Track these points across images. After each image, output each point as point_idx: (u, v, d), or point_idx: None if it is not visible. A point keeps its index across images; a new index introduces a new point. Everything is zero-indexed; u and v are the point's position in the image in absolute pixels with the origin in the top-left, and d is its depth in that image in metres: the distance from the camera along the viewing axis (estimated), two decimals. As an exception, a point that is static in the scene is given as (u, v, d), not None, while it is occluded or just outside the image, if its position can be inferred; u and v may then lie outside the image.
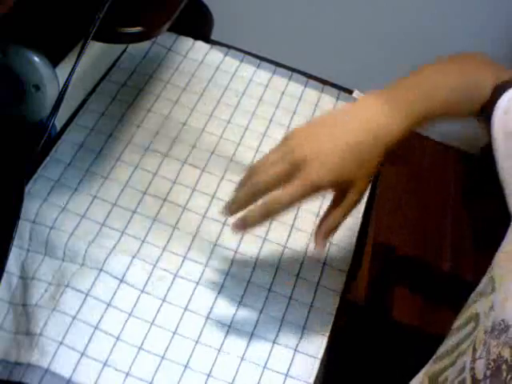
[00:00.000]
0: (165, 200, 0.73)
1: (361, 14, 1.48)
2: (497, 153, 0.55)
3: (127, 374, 0.60)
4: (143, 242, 0.69)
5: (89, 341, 0.61)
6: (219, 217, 0.73)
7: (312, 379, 0.63)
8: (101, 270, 0.65)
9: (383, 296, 1.28)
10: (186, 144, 0.78)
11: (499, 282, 0.50)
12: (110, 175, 0.73)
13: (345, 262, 0.72)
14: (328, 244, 0.73)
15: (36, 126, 0.66)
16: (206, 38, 0.93)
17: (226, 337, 0.64)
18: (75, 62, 0.55)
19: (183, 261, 0.68)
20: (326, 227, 0.57)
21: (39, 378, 0.57)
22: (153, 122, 0.79)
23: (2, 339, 0.60)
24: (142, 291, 0.65)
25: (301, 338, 0.66)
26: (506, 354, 0.44)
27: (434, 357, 0.57)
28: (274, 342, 0.65)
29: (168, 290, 0.66)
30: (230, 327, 0.65)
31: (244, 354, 0.64)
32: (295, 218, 0.74)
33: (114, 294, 0.64)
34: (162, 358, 0.62)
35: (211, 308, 0.66)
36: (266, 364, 0.63)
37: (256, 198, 0.55)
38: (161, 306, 0.65)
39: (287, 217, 0.74)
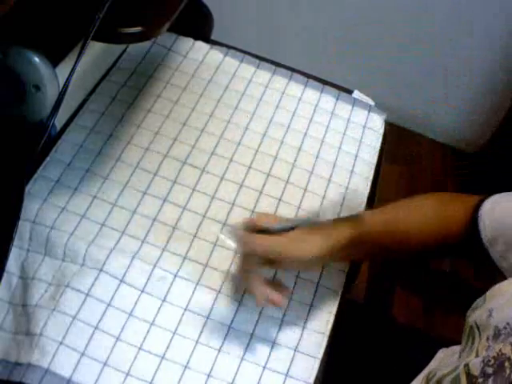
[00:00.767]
0: (165, 200, 0.73)
1: (361, 15, 1.48)
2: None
3: (127, 374, 0.60)
4: (143, 242, 0.69)
5: (89, 341, 0.61)
6: (219, 217, 0.73)
7: (312, 379, 0.63)
8: (101, 270, 0.65)
9: (383, 296, 1.28)
10: (185, 144, 0.78)
11: (491, 294, 0.50)
12: (110, 175, 0.73)
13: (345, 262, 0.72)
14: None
15: (36, 126, 0.66)
16: (206, 38, 0.93)
17: (225, 337, 0.64)
18: (75, 62, 0.55)
19: (183, 261, 0.68)
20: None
21: (39, 378, 0.57)
22: (153, 122, 0.80)
23: (2, 339, 0.60)
24: (142, 291, 0.65)
25: (301, 338, 0.66)
26: (507, 351, 0.44)
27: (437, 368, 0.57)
28: (274, 342, 0.65)
29: (168, 290, 0.66)
30: (230, 327, 0.65)
31: (244, 354, 0.64)
32: (295, 218, 0.74)
33: (114, 294, 0.64)
34: (162, 358, 0.62)
35: (211, 308, 0.66)
36: (266, 364, 0.63)
37: None
38: (161, 306, 0.65)
39: (287, 217, 0.74)
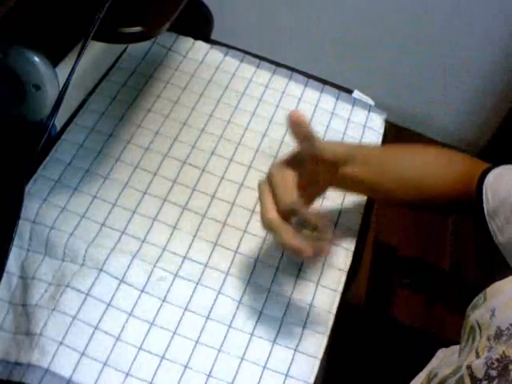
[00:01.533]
0: (165, 200, 0.73)
1: (361, 14, 1.48)
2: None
3: (127, 374, 0.60)
4: (143, 242, 0.69)
5: (89, 341, 0.61)
6: (219, 217, 0.73)
7: (312, 379, 0.63)
8: (101, 270, 0.65)
9: (383, 296, 1.28)
10: (186, 144, 0.78)
11: (492, 292, 0.50)
12: (110, 175, 0.73)
13: (345, 261, 0.72)
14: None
15: (36, 125, 0.66)
16: (206, 38, 0.93)
17: (225, 337, 0.64)
18: (75, 62, 0.55)
19: (183, 261, 0.68)
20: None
21: (39, 378, 0.57)
22: (153, 122, 0.80)
23: (2, 339, 0.60)
24: (142, 291, 0.65)
25: (301, 338, 0.66)
26: (511, 353, 0.43)
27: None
28: (274, 342, 0.65)
29: (168, 290, 0.66)
30: (230, 327, 0.65)
31: (244, 354, 0.64)
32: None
33: (114, 294, 0.64)
34: (162, 358, 0.62)
35: (211, 308, 0.66)
36: (266, 364, 0.63)
37: None
38: (161, 306, 0.65)
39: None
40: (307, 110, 0.86)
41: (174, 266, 0.68)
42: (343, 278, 0.71)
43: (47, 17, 0.59)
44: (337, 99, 0.89)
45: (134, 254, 0.67)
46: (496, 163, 0.62)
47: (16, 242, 0.65)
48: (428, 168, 0.66)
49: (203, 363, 0.62)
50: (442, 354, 0.67)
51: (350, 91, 0.92)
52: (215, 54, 0.89)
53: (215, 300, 0.66)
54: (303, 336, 0.66)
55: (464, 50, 1.48)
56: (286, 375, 0.63)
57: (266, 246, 0.71)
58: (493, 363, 0.44)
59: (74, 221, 0.69)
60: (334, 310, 0.68)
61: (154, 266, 0.67)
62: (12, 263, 0.65)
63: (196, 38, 0.91)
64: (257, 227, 0.72)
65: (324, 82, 0.91)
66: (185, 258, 0.69)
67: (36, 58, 0.62)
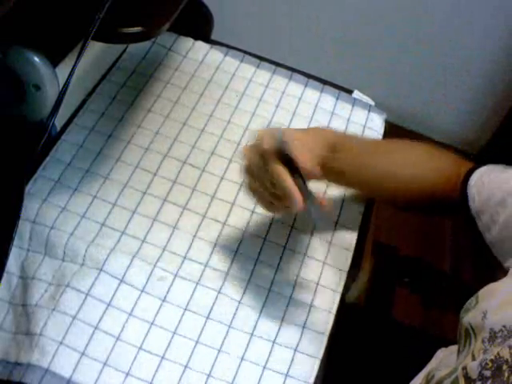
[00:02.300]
0: (165, 200, 0.73)
1: (361, 15, 1.48)
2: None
3: (127, 374, 0.60)
4: (143, 241, 0.69)
5: (89, 341, 0.61)
6: (219, 217, 0.73)
7: (312, 379, 0.63)
8: (101, 270, 0.65)
9: (383, 296, 1.28)
10: (186, 144, 0.78)
11: (483, 295, 0.50)
12: (110, 175, 0.73)
13: (345, 262, 0.72)
14: (328, 244, 0.73)
15: (36, 125, 0.66)
16: (206, 38, 0.93)
17: (225, 337, 0.64)
18: (75, 62, 0.55)
19: (183, 261, 0.68)
20: None
21: (39, 377, 0.57)
22: (153, 122, 0.80)
23: (2, 339, 0.60)
24: (142, 291, 0.65)
25: (301, 338, 0.66)
26: (505, 354, 0.43)
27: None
28: (274, 342, 0.65)
29: (168, 290, 0.66)
30: (230, 327, 0.65)
31: (244, 354, 0.64)
32: (295, 218, 0.74)
33: (114, 293, 0.64)
34: (162, 358, 0.62)
35: (211, 308, 0.66)
36: (266, 364, 0.63)
37: None
38: (161, 306, 0.65)
39: (287, 217, 0.74)
40: (307, 110, 0.86)
41: (174, 266, 0.68)
42: (343, 278, 0.71)
43: (47, 17, 0.59)
44: (337, 99, 0.89)
45: (134, 254, 0.67)
46: (496, 163, 0.62)
47: (16, 242, 0.65)
48: (406, 164, 0.66)
49: (203, 363, 0.62)
50: (441, 354, 0.67)
51: (350, 91, 0.92)
52: (215, 54, 0.89)
53: (215, 300, 0.66)
54: (303, 336, 0.66)
55: (464, 50, 1.48)
56: (286, 375, 0.63)
57: (266, 246, 0.71)
58: (487, 364, 0.44)
59: (74, 221, 0.69)
60: (334, 310, 0.68)
61: (154, 266, 0.67)
62: (12, 263, 0.65)
63: (196, 38, 0.91)
64: (257, 227, 0.72)
65: (324, 81, 0.91)
66: (185, 258, 0.69)
67: (36, 58, 0.62)
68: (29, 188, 0.70)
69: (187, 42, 0.90)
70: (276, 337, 0.65)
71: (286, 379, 0.63)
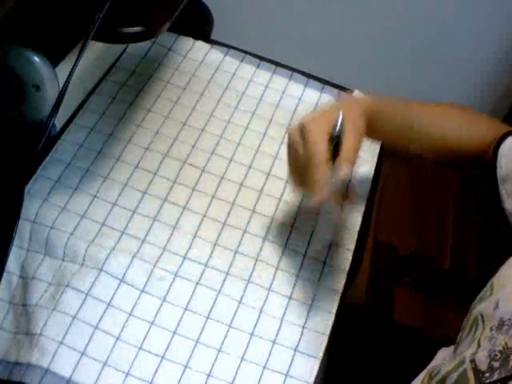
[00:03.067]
0: (165, 200, 0.73)
1: (361, 14, 1.48)
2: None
3: (127, 374, 0.60)
4: (143, 241, 0.69)
5: (89, 341, 0.61)
6: (219, 217, 0.73)
7: (312, 379, 0.63)
8: (101, 270, 0.65)
9: (384, 296, 1.28)
10: (186, 144, 0.78)
11: (498, 285, 0.50)
12: (110, 175, 0.73)
13: (345, 261, 0.72)
14: (328, 244, 0.73)
15: (36, 125, 0.66)
16: (206, 38, 0.93)
17: (225, 337, 0.64)
18: (75, 62, 0.55)
19: (183, 261, 0.68)
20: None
21: (39, 377, 0.57)
22: (153, 122, 0.80)
23: (2, 339, 0.60)
24: (142, 291, 0.65)
25: (301, 338, 0.66)
26: None
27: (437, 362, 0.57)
28: (274, 342, 0.65)
29: (168, 290, 0.66)
30: (230, 327, 0.65)
31: (244, 354, 0.64)
32: (296, 218, 0.74)
33: (114, 293, 0.64)
34: (162, 358, 0.62)
35: (211, 308, 0.66)
36: (266, 364, 0.63)
37: None
38: (161, 306, 0.65)
39: (287, 217, 0.74)
40: (307, 110, 0.86)
41: (173, 266, 0.68)
42: (343, 278, 0.71)
43: (47, 17, 0.59)
44: (337, 99, 0.89)
45: (134, 254, 0.67)
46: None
47: (16, 242, 0.65)
48: (452, 123, 0.68)
49: (203, 363, 0.62)
50: (442, 353, 0.67)
51: (350, 91, 0.91)
52: (215, 54, 0.89)
53: (215, 300, 0.66)
54: (303, 336, 0.66)
55: (464, 50, 1.48)
56: (286, 375, 0.63)
57: (266, 246, 0.71)
58: (496, 355, 0.44)
59: (74, 221, 0.69)
60: (334, 310, 0.68)
61: (154, 266, 0.67)
62: (12, 263, 0.65)
63: (196, 38, 0.91)
64: (257, 227, 0.72)
65: (324, 81, 0.91)
66: (185, 258, 0.69)
67: (36, 58, 0.62)
68: (29, 188, 0.70)
69: (187, 42, 0.90)
70: (276, 337, 0.65)
71: (285, 379, 0.63)
